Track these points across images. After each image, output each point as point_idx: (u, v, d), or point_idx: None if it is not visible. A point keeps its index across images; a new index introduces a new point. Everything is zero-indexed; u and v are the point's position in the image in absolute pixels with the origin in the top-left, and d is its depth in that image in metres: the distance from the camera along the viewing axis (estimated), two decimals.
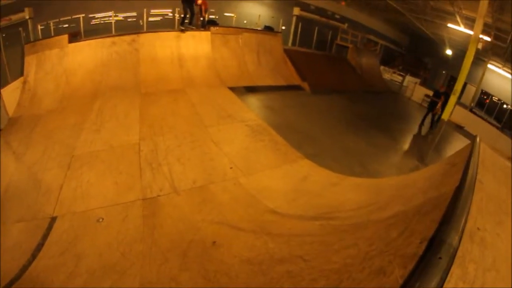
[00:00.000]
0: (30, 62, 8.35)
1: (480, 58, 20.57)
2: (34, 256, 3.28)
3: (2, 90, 7.58)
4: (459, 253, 1.72)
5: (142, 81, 8.79)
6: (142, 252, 3.24)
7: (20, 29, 10.51)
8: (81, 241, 3.49)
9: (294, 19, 18.85)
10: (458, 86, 7.75)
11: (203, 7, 13.01)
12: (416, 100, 17.74)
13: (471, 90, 21.86)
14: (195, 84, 9.42)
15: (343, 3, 22.20)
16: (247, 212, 4.09)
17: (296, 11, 18.78)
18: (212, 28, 11.50)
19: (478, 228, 2.01)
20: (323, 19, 20.62)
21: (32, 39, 10.31)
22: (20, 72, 8.34)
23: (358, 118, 10.53)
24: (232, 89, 9.47)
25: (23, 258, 3.23)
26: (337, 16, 22.39)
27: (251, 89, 10.23)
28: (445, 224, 1.84)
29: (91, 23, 12.90)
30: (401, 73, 23.19)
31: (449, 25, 17.01)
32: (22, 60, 8.42)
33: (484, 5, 7.67)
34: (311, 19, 19.85)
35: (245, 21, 18.01)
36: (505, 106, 22.26)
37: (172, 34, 10.46)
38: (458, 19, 15.66)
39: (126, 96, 8.00)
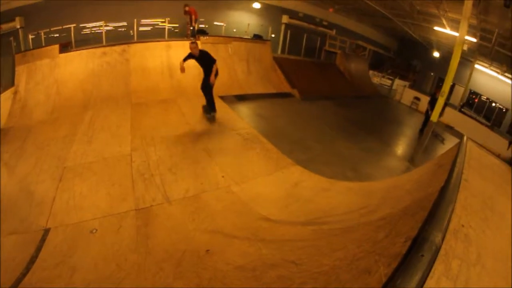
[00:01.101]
0: (21, 72, 8.37)
1: (467, 59, 21.08)
2: (28, 268, 3.28)
3: None
4: (442, 251, 1.79)
5: (133, 92, 8.84)
6: (136, 262, 3.27)
7: (11, 38, 10.51)
8: (75, 253, 3.49)
9: (283, 27, 19.11)
10: (446, 88, 7.92)
11: (193, 17, 13.16)
12: (406, 103, 18.08)
13: (460, 90, 22.37)
14: (186, 93, 9.48)
15: (331, 9, 22.43)
16: (240, 220, 4.14)
17: (285, 19, 19.05)
18: (201, 37, 11.60)
19: (463, 225, 2.13)
20: (312, 26, 20.88)
21: (23, 49, 10.32)
22: (11, 82, 8.35)
23: (349, 123, 10.67)
24: (223, 98, 9.55)
25: (17, 271, 3.23)
26: (325, 23, 22.63)
27: (241, 98, 10.32)
28: (428, 223, 1.92)
29: (81, 33, 12.91)
30: (390, 77, 23.49)
31: (436, 28, 17.37)
32: (12, 70, 8.42)
33: (468, 7, 7.87)
34: (300, 27, 20.09)
35: (234, 30, 18.14)
36: (493, 104, 22.78)
37: (162, 44, 10.54)
38: (444, 21, 16.01)
39: (117, 106, 8.05)
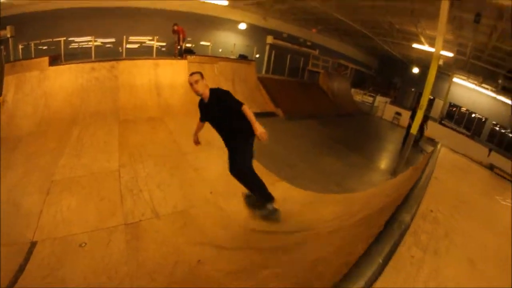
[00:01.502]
0: (10, 82, 8.35)
1: (445, 73, 22.11)
2: (15, 280, 3.24)
3: None
4: (411, 228, 2.19)
5: (121, 108, 8.90)
6: (128, 274, 3.29)
7: (2, 47, 10.48)
8: (64, 266, 3.45)
9: (267, 47, 19.54)
10: (424, 101, 8.29)
11: (181, 36, 13.43)
12: (387, 118, 18.79)
13: (440, 104, 23.37)
14: (173, 112, 9.60)
15: (314, 30, 23.12)
16: (230, 232, 4.23)
17: (269, 39, 19.53)
18: (188, 56, 11.81)
19: (431, 211, 2.57)
20: (295, 47, 21.43)
21: (12, 58, 10.30)
22: None
23: (332, 140, 10.96)
24: None
25: (3, 283, 3.22)
26: (309, 43, 23.31)
27: None
28: (398, 209, 2.34)
29: (69, 47, 12.97)
30: (372, 94, 24.20)
31: (415, 45, 18.24)
32: (1, 79, 8.41)
33: (442, 24, 8.34)
34: (284, 47, 20.59)
35: (220, 50, 18.49)
36: (473, 115, 24.02)
37: (150, 62, 10.69)
38: (422, 39, 16.83)
39: (106, 122, 8.09)
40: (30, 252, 3.71)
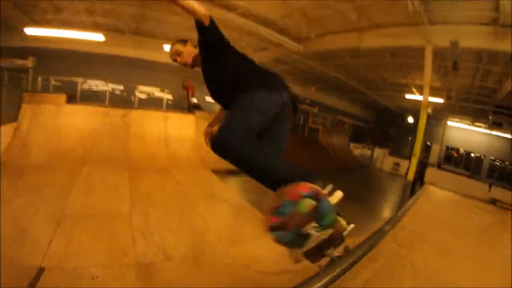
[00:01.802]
0: (26, 111, 8.62)
1: (439, 118, 22.92)
2: None
3: None
4: (390, 234, 3.03)
5: (132, 156, 9.22)
6: None
7: (23, 75, 10.86)
8: None
9: None
10: (417, 148, 8.67)
11: (190, 92, 14.13)
12: (387, 170, 19.15)
13: (436, 149, 23.88)
14: (181, 165, 9.93)
15: (313, 88, 24.10)
16: (240, 275, 4.34)
17: None
18: (196, 112, 12.34)
19: (410, 226, 3.41)
20: None
21: (30, 88, 10.82)
22: (14, 117, 8.47)
23: None
24: (215, 171, 10.00)
25: None
26: (308, 101, 24.16)
27: (231, 172, 10.73)
28: (382, 226, 3.30)
29: (81, 88, 13.44)
30: (370, 147, 24.65)
31: (407, 95, 19.17)
32: (19, 106, 8.64)
33: (427, 75, 9.02)
34: None
35: None
36: (472, 154, 25.01)
37: (160, 114, 11.24)
38: (413, 89, 17.82)
39: (116, 167, 8.32)
40: (37, 278, 3.63)
